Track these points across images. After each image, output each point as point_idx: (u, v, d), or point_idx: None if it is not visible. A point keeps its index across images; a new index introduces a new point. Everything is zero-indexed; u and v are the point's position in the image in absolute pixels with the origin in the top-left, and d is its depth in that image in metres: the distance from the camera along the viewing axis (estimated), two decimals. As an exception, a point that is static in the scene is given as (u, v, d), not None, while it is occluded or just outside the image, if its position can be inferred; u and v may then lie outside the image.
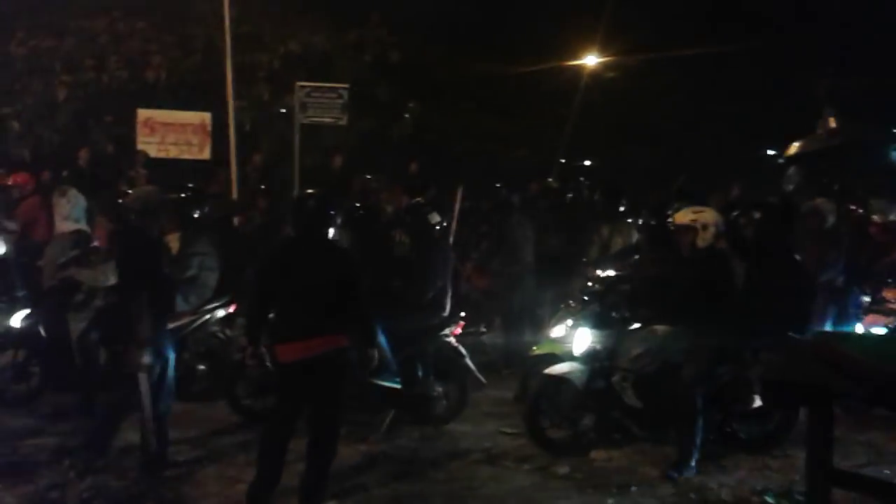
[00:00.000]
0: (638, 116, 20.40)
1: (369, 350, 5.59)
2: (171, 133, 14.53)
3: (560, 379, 6.61)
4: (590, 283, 7.19)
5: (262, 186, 12.07)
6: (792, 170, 12.46)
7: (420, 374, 7.12)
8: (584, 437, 6.66)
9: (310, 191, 5.91)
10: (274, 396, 5.73)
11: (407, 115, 17.70)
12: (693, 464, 6.16)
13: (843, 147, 13.49)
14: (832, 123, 13.73)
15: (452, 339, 7.35)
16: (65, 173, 11.55)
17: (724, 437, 6.57)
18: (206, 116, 14.71)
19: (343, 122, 14.59)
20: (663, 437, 6.53)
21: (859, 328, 7.46)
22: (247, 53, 16.01)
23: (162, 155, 14.18)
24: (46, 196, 9.29)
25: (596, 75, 20.83)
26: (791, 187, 12.03)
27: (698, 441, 6.19)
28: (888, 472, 6.22)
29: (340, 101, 14.45)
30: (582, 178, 14.32)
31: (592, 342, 6.64)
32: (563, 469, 6.24)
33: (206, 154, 14.61)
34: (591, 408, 6.63)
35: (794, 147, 13.32)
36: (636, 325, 6.67)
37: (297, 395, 5.32)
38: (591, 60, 20.49)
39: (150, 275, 5.96)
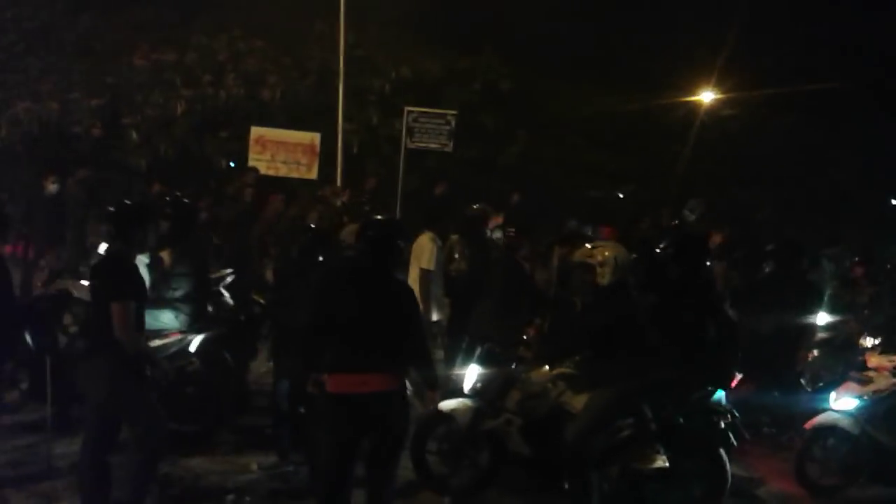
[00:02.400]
0: (754, 157, 19.66)
1: (430, 392, 5.25)
2: (281, 151, 14.70)
3: (447, 415, 6.22)
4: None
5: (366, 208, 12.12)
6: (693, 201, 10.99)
7: None
8: (473, 479, 6.18)
9: (378, 217, 5.52)
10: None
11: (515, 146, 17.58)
12: None
13: None
14: None
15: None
16: None
17: (633, 500, 5.92)
18: (316, 137, 14.87)
19: (449, 148, 14.58)
20: (557, 488, 5.93)
21: (833, 396, 6.88)
22: (359, 77, 16.21)
23: (271, 173, 14.36)
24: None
25: (712, 112, 20.22)
26: (693, 217, 10.73)
27: (594, 500, 5.67)
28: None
29: (448, 127, 14.45)
30: None
31: (478, 380, 6.26)
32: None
33: (313, 174, 14.75)
34: (482, 448, 6.16)
35: None
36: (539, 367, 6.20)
37: (345, 432, 4.86)
38: (706, 97, 19.90)
39: None
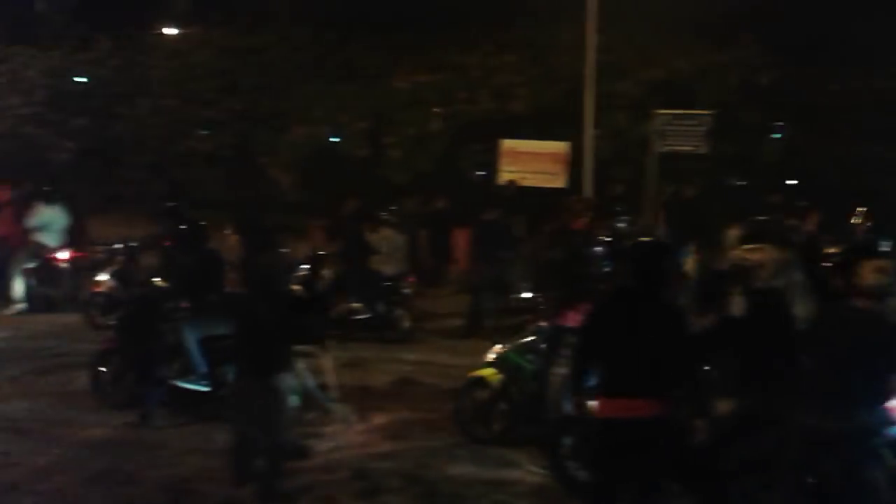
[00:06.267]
0: None
1: (696, 420, 5.05)
2: (531, 162, 15.01)
3: None
4: None
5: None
6: None
7: (231, 377, 6.55)
8: None
9: (645, 239, 5.49)
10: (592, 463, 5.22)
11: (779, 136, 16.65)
12: None
13: None
14: None
15: None
16: None
17: None
18: (565, 146, 15.01)
19: (703, 149, 14.14)
20: None
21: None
22: (609, 82, 16.10)
23: (521, 183, 14.70)
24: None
25: None
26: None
27: None
28: None
29: (702, 128, 14.04)
30: None
31: None
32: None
33: (562, 183, 14.90)
34: None
35: None
36: None
37: (613, 458, 4.86)
38: None
39: None
